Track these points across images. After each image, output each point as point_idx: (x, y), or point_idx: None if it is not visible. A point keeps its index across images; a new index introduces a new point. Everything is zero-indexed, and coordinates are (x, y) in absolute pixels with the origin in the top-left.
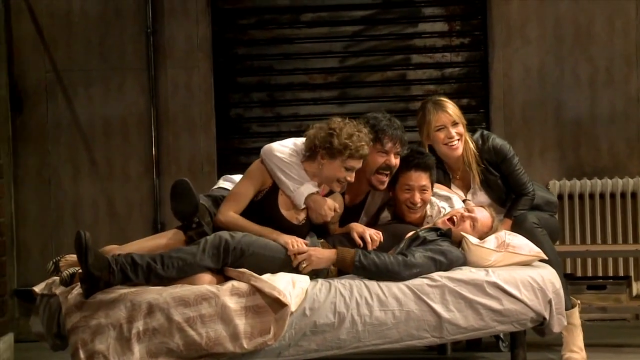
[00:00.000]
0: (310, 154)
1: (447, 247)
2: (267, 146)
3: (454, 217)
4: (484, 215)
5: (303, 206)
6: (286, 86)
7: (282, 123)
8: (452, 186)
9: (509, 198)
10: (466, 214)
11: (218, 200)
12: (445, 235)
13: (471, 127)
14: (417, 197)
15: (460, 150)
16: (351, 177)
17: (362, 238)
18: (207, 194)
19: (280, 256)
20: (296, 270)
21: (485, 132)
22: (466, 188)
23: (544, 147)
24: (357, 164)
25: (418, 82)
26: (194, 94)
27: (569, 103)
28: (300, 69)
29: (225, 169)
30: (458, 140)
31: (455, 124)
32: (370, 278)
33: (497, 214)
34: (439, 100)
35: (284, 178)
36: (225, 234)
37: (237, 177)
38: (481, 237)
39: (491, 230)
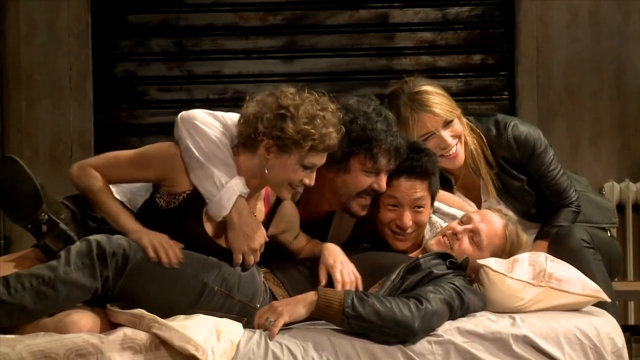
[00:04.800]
0: (246, 142)
1: (464, 286)
2: (188, 112)
3: (443, 238)
4: (489, 220)
5: (225, 213)
6: (203, 29)
7: (197, 86)
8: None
9: (541, 210)
10: (459, 227)
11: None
12: (460, 267)
13: (486, 101)
14: (408, 219)
15: (462, 157)
16: (311, 178)
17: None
18: (69, 195)
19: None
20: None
21: (501, 116)
22: (474, 201)
23: (597, 131)
24: (320, 160)
25: (407, 27)
26: (60, 40)
27: (638, 64)
28: (225, 4)
29: None
30: (457, 144)
31: (447, 123)
32: (369, 333)
33: (527, 230)
34: (417, 94)
35: (208, 164)
36: (95, 236)
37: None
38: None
39: (506, 242)
